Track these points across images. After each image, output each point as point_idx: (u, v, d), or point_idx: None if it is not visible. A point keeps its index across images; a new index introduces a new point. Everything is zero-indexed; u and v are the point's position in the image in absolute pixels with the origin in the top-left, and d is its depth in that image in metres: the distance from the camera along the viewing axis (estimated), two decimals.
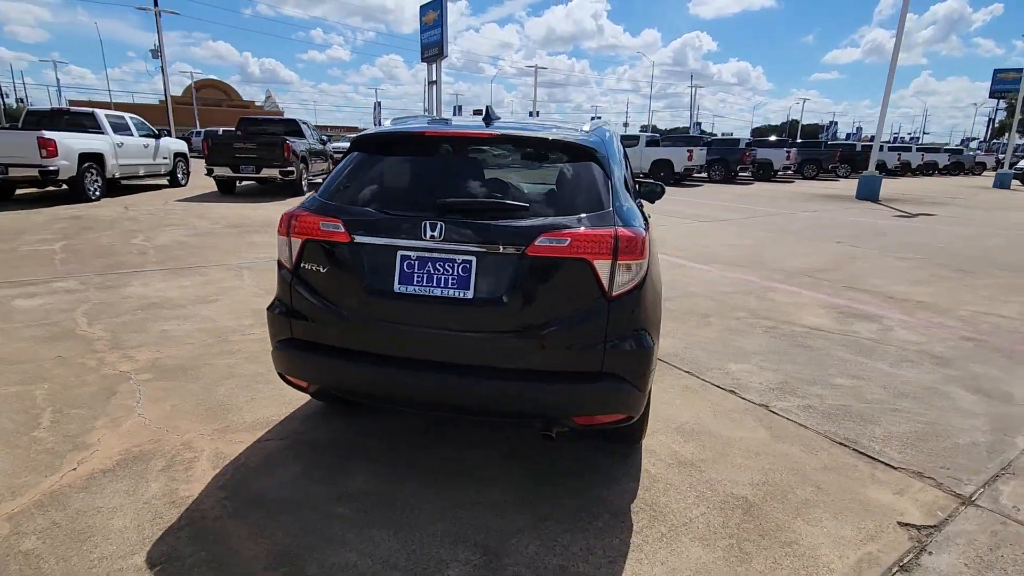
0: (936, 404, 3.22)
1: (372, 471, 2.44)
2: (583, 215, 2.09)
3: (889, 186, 19.24)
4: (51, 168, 10.03)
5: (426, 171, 2.33)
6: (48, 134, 10.03)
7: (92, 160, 10.98)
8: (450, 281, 2.09)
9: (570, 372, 2.09)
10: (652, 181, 4.14)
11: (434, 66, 42.05)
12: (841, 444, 2.77)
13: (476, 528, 2.11)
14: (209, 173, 12.48)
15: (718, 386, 3.41)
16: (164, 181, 14.18)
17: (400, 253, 2.11)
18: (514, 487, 2.36)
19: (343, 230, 2.15)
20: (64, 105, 43.80)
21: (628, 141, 21.52)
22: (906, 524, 2.19)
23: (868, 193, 16.27)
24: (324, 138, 16.11)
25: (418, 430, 2.79)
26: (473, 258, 2.06)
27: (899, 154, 30.87)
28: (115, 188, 12.46)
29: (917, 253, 7.97)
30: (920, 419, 3.04)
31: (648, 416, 2.56)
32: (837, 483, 2.44)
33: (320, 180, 13.22)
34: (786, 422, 2.98)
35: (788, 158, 24.41)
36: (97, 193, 11.25)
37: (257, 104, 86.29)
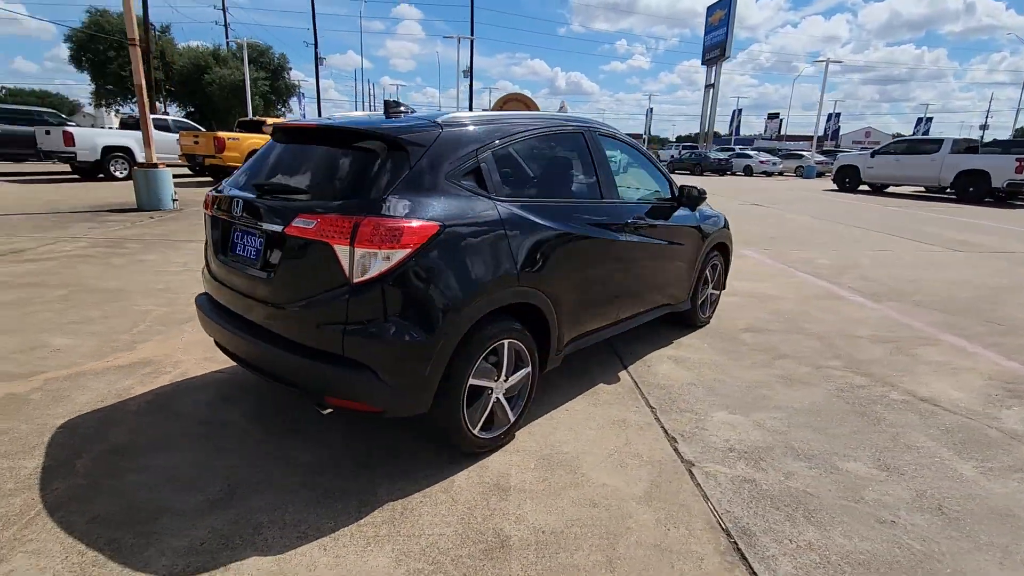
0: None
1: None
2: (345, 200, 2.12)
3: None
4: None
5: (273, 157, 2.62)
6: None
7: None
8: (251, 252, 2.37)
9: (317, 350, 2.15)
10: (691, 185, 3.67)
11: (714, 69, 40.16)
12: None
13: None
14: None
15: None
16: None
17: (233, 225, 2.48)
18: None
19: (209, 204, 2.63)
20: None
21: (926, 146, 17.15)
22: None
23: None
24: None
25: None
26: (263, 235, 2.30)
27: None
28: None
29: None
30: None
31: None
32: None
33: None
34: None
35: None
36: None
37: None
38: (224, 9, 48.91)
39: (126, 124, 17.82)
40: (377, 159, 2.19)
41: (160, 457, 2.42)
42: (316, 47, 47.69)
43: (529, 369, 2.62)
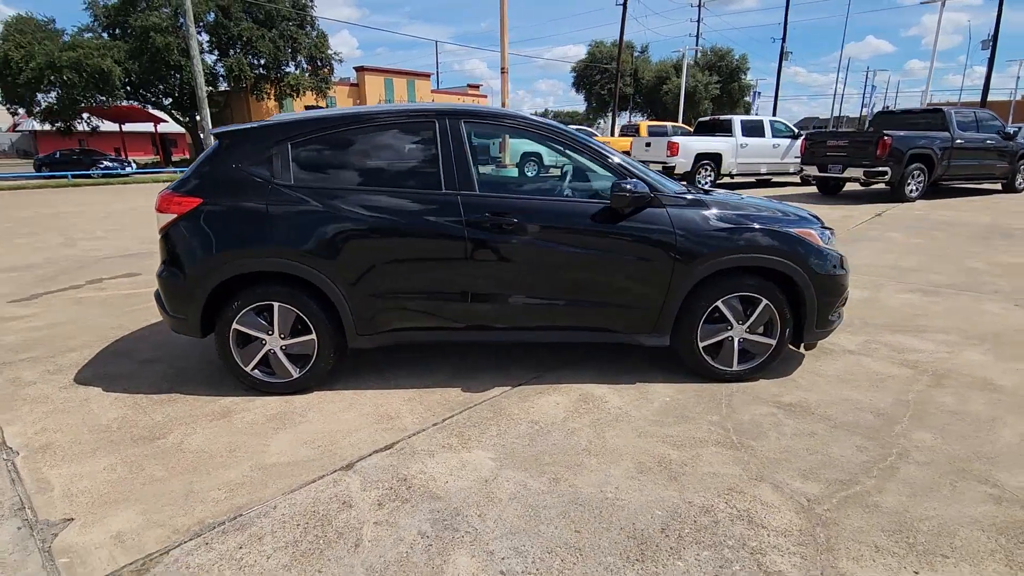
0: None
1: None
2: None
3: None
4: (671, 165, 13.28)
5: None
6: (675, 138, 13.26)
7: (709, 159, 13.49)
8: None
9: None
10: (637, 182, 2.98)
11: None
12: None
13: None
14: (798, 172, 12.44)
15: None
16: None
17: None
18: None
19: None
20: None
21: None
22: None
23: None
24: (1011, 130, 11.88)
25: None
26: None
27: None
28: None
29: None
30: None
31: None
32: None
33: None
34: None
35: None
36: (707, 185, 13.76)
37: None
38: (699, 20, 52.14)
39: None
40: (211, 149, 3.00)
41: None
42: (783, 42, 45.46)
43: (314, 336, 2.92)
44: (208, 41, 27.92)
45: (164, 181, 20.01)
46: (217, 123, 33.60)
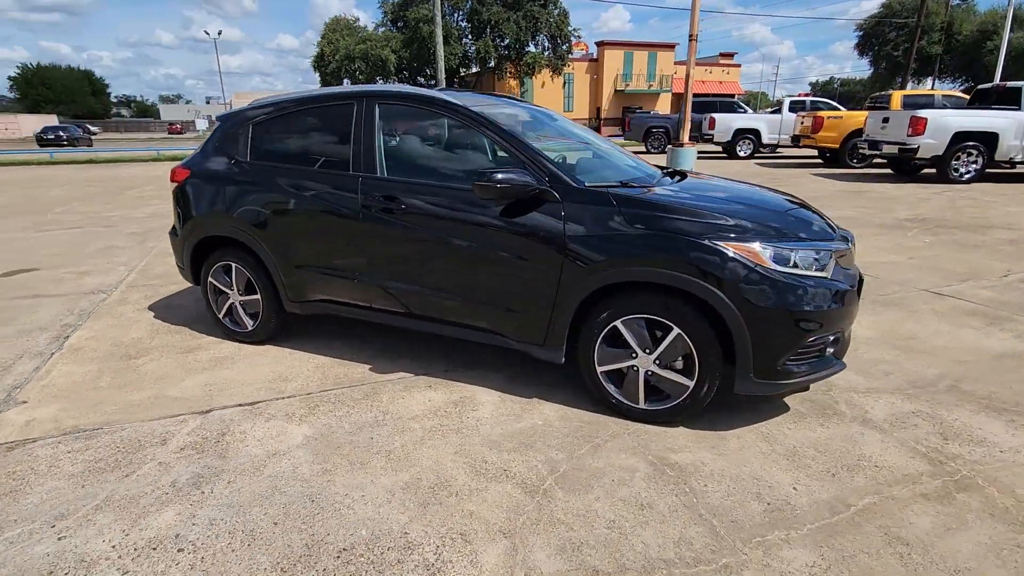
0: None
1: None
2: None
3: None
4: (912, 146, 10.44)
5: None
6: (922, 113, 10.32)
7: (976, 140, 10.18)
8: None
9: None
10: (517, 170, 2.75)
11: None
12: None
13: None
14: None
15: None
16: None
17: None
18: None
19: None
20: None
21: None
22: None
23: None
24: None
25: None
26: None
27: None
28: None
29: None
30: None
31: None
32: None
33: None
34: None
35: None
36: (967, 176, 10.45)
37: None
38: None
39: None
40: (213, 130, 3.58)
41: None
42: None
43: (259, 297, 3.32)
44: (465, 26, 31.22)
45: None
46: None
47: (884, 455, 2.29)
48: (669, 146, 11.75)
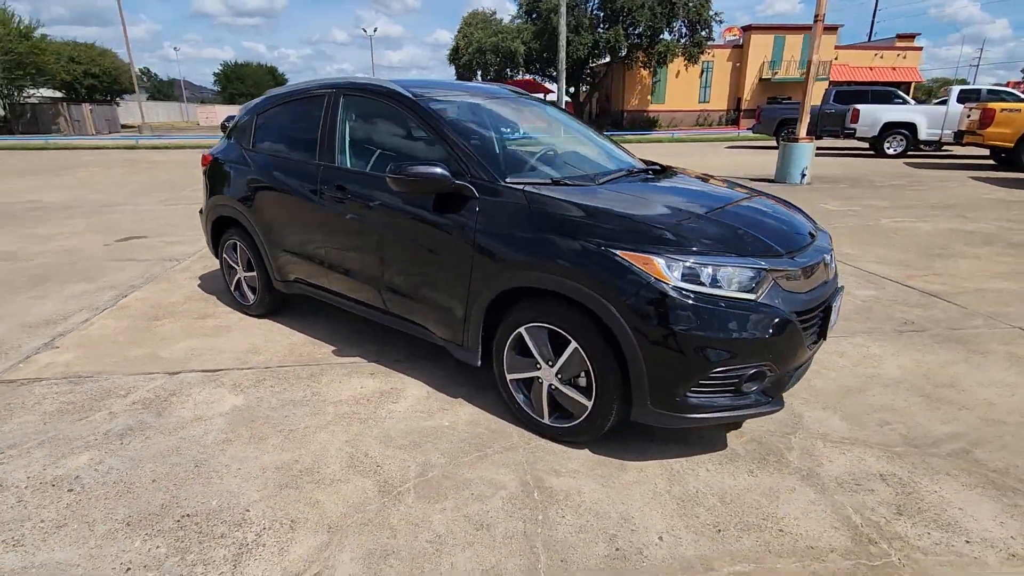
0: None
1: None
2: None
3: None
4: None
5: None
6: None
7: None
8: None
9: None
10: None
11: None
12: None
13: None
14: None
15: None
16: None
17: None
18: None
19: None
20: None
21: None
22: None
23: None
24: None
25: None
26: None
27: None
28: None
29: None
30: None
31: None
32: None
33: None
34: None
35: None
36: None
37: None
38: None
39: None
40: None
41: None
42: None
43: (255, 273, 3.62)
44: (599, 15, 30.57)
45: None
46: (594, 94, 36.97)
47: (801, 520, 1.90)
48: (781, 141, 10.50)
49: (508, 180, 2.39)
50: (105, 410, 2.64)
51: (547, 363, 2.27)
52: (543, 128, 3.39)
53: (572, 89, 34.96)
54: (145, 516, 1.94)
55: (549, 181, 2.48)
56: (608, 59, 33.12)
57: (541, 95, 34.97)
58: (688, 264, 1.96)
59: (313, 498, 2.04)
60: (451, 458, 2.26)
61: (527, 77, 33.44)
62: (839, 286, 2.44)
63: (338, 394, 2.77)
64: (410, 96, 2.74)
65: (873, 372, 2.96)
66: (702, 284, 1.95)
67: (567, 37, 28.86)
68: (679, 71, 33.47)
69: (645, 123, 35.37)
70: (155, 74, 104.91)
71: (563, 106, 26.07)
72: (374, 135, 3.00)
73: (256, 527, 1.89)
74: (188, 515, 1.95)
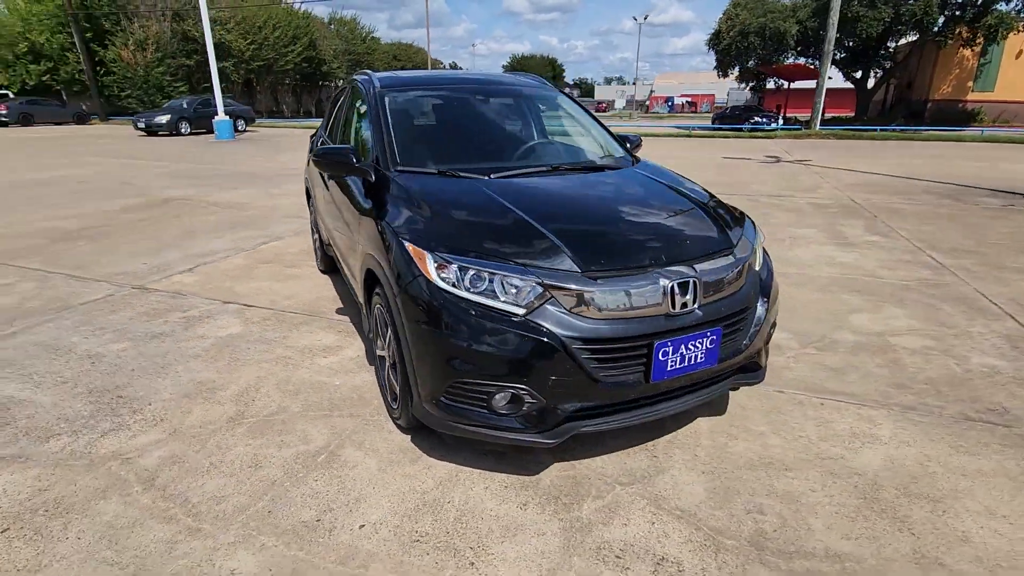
0: None
1: None
2: None
3: None
4: None
5: None
6: None
7: None
8: None
9: None
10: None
11: None
12: None
13: None
14: None
15: None
16: None
17: None
18: None
19: None
20: None
21: None
22: None
23: None
24: None
25: None
26: None
27: None
28: None
29: None
30: None
31: None
32: None
33: None
34: None
35: None
36: None
37: None
38: None
39: None
40: None
41: None
42: None
43: (317, 236, 4.35)
44: None
45: (762, 137, 21.09)
46: (888, 79, 30.13)
47: (510, 565, 1.68)
48: None
49: (398, 168, 2.51)
50: (163, 319, 3.63)
51: (379, 337, 2.37)
52: (522, 122, 3.31)
53: (859, 74, 29.51)
54: (99, 389, 2.72)
55: (435, 172, 2.51)
56: (916, 37, 26.94)
57: (812, 82, 30.37)
58: (455, 266, 1.86)
59: (189, 408, 2.56)
60: (305, 409, 2.55)
61: (798, 61, 29.39)
62: (716, 328, 1.94)
63: (296, 342, 3.27)
64: (369, 87, 3.03)
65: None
66: (466, 288, 1.83)
67: (857, 11, 24.45)
68: (1021, 50, 25.41)
69: (958, 116, 27.79)
70: (460, 67, 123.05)
71: (821, 93, 22.26)
72: (361, 122, 3.37)
73: (139, 416, 2.50)
74: (121, 396, 2.66)
